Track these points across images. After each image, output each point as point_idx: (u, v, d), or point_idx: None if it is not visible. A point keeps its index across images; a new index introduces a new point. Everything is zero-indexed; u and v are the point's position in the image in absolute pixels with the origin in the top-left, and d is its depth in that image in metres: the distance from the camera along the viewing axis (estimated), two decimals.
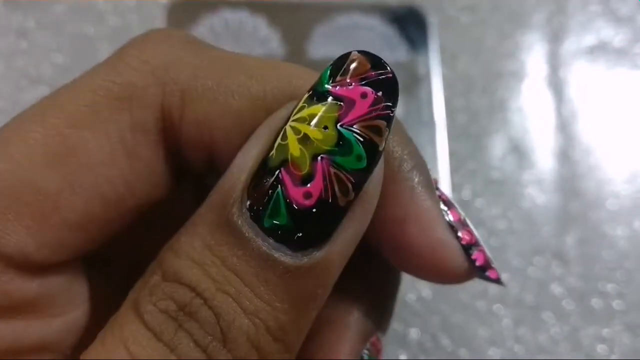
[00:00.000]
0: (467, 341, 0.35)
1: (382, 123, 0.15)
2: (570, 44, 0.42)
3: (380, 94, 0.15)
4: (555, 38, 0.42)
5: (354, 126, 0.15)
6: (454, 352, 0.35)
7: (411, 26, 0.40)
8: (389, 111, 0.15)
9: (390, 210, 0.17)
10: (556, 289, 0.36)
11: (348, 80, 0.15)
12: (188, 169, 0.18)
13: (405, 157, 0.17)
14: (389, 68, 0.15)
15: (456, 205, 0.19)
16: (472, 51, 0.41)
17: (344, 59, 0.15)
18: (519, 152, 0.39)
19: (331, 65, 0.15)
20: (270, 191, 0.14)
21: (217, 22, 0.40)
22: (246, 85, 0.17)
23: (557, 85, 0.41)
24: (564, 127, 0.40)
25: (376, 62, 0.15)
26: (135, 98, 0.17)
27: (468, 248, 0.18)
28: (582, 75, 0.41)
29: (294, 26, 0.40)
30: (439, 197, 0.18)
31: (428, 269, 0.18)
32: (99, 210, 0.17)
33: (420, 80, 0.39)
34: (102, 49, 0.39)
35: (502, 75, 0.41)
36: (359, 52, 0.15)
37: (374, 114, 0.15)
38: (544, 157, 0.39)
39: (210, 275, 0.15)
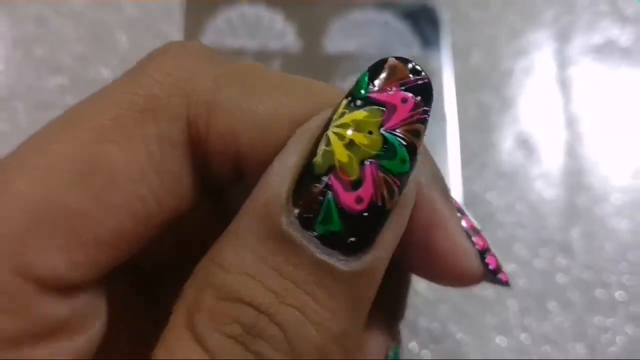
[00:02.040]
0: (475, 329, 0.36)
1: (421, 127, 0.15)
2: (578, 43, 0.43)
3: (419, 98, 0.15)
4: (563, 36, 0.43)
5: (397, 130, 0.15)
6: (462, 340, 0.36)
7: (424, 22, 0.41)
8: (426, 115, 0.15)
9: (416, 217, 0.18)
10: (561, 279, 0.37)
11: (388, 86, 0.15)
12: (213, 180, 0.18)
13: (423, 166, 0.17)
14: (424, 73, 0.16)
15: (468, 213, 0.20)
16: (484, 48, 0.42)
17: (382, 64, 0.16)
18: (528, 147, 0.40)
19: (368, 71, 0.16)
20: (320, 198, 0.15)
21: (235, 15, 0.41)
22: (271, 94, 0.16)
23: (565, 83, 0.42)
24: (571, 123, 0.41)
25: (413, 68, 0.16)
26: (160, 110, 0.16)
27: (482, 253, 0.20)
28: (589, 74, 0.42)
29: (310, 21, 0.40)
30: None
31: (448, 273, 0.19)
32: (130, 226, 0.16)
33: (432, 76, 0.39)
34: (121, 40, 0.40)
35: (513, 72, 0.42)
36: (396, 58, 0.16)
37: (414, 118, 0.15)
38: (552, 152, 0.40)
39: (271, 289, 0.14)
